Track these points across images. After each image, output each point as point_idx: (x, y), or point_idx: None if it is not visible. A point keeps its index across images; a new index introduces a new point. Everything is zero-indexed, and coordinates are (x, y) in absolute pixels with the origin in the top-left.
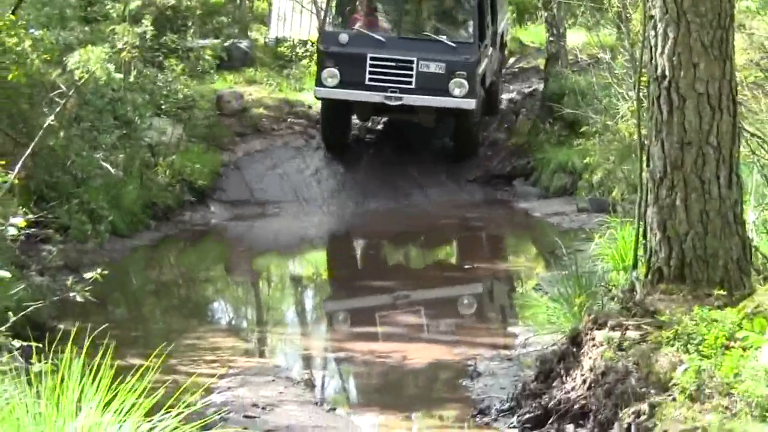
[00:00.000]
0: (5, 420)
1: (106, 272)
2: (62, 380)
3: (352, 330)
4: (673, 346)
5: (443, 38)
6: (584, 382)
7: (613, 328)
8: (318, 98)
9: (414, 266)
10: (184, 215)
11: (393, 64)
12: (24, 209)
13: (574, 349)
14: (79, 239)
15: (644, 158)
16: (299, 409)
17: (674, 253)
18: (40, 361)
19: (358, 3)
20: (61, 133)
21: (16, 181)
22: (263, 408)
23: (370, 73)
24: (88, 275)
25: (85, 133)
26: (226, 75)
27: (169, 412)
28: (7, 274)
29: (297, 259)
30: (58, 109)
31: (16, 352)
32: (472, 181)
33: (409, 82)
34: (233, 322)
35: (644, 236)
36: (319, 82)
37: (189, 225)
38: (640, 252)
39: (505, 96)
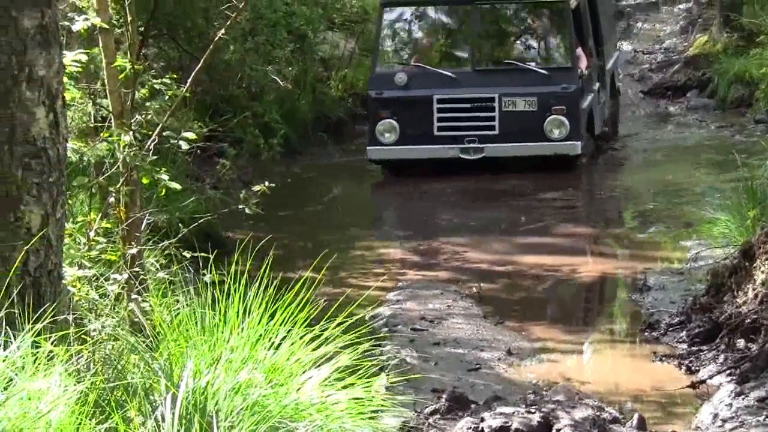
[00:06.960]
0: (175, 330)
1: (273, 185)
2: (228, 291)
3: (520, 243)
4: None
5: (532, 65)
6: (756, 296)
7: None
8: (373, 161)
9: (577, 177)
10: (356, 128)
11: (468, 105)
12: (199, 123)
13: (747, 263)
14: (252, 153)
15: None
16: (466, 323)
17: None
18: (210, 273)
19: (415, 34)
20: (232, 47)
21: (188, 95)
22: (431, 321)
23: (440, 120)
24: (256, 188)
25: (260, 47)
26: None
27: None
28: (177, 186)
29: (468, 171)
30: (228, 23)
31: (186, 264)
32: (646, 93)
33: (492, 127)
34: (403, 235)
35: None
36: (373, 140)
37: (361, 138)
38: None
39: (682, 6)
